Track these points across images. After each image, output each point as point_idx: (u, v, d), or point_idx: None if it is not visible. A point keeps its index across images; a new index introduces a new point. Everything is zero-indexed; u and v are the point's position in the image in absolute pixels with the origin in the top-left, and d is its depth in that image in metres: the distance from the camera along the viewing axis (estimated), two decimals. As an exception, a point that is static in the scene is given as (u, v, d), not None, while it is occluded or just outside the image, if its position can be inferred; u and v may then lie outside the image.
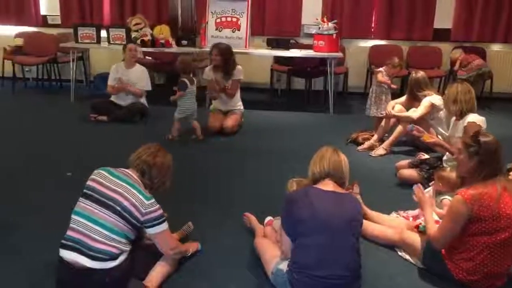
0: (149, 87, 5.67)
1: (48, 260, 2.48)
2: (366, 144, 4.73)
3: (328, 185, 2.37)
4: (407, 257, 2.73)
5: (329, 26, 6.04)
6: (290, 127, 5.57)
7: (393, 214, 3.16)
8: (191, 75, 4.89)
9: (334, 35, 6.06)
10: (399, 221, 3.03)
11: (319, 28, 6.15)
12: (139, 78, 5.59)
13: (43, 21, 7.62)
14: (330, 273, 2.19)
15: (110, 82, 5.61)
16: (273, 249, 2.53)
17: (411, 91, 4.59)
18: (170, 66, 6.62)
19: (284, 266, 2.35)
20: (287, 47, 6.32)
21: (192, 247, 2.71)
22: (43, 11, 7.61)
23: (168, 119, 4.96)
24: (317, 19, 6.33)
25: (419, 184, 2.92)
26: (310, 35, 6.71)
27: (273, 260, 2.43)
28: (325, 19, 6.15)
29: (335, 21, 6.17)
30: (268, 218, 2.97)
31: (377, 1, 7.10)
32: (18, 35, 7.44)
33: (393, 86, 5.02)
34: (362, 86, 7.17)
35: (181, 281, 2.50)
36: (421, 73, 4.58)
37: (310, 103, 6.81)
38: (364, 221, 2.66)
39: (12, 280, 2.46)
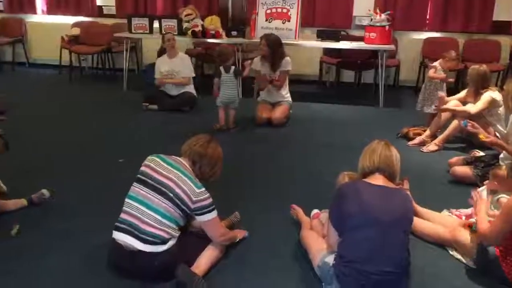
0: (193, 74, 5.76)
1: (102, 242, 2.57)
2: (417, 139, 4.60)
3: (378, 180, 2.32)
4: (459, 256, 2.65)
5: (381, 18, 5.90)
6: (339, 120, 5.50)
7: (445, 212, 3.07)
8: (229, 64, 4.87)
9: (387, 27, 5.91)
10: (451, 219, 2.94)
11: (371, 19, 6.02)
12: (183, 66, 5.67)
13: (99, 12, 7.87)
14: (377, 268, 2.16)
15: (157, 75, 5.73)
16: (319, 242, 2.52)
17: (475, 86, 4.34)
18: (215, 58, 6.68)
19: (330, 259, 2.33)
20: (337, 39, 6.23)
21: (240, 233, 2.75)
22: (99, 1, 7.86)
23: (217, 109, 5.02)
24: (369, 11, 6.20)
25: (478, 189, 2.82)
26: (361, 27, 6.59)
27: (319, 253, 2.42)
28: (377, 11, 6.02)
29: (388, 12, 6.02)
30: (315, 211, 2.95)
31: (433, -9, 6.87)
32: (75, 25, 7.72)
33: (450, 79, 4.85)
34: (414, 80, 6.97)
35: (228, 268, 2.53)
36: (484, 67, 4.37)
37: (359, 96, 6.70)
38: (414, 218, 2.60)
39: (68, 262, 2.56)
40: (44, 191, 3.17)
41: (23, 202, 3.09)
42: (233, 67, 4.86)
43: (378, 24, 5.91)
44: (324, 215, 2.73)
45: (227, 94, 4.89)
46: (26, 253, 2.62)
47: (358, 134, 4.80)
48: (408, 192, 3.04)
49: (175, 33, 6.16)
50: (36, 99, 6.13)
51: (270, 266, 2.57)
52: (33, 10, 8.03)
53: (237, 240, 2.70)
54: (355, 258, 2.18)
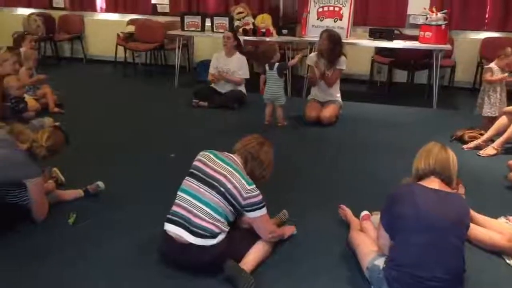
0: (247, 75, 5.79)
1: (153, 234, 2.64)
2: (473, 143, 4.43)
3: (433, 183, 2.25)
4: (516, 265, 2.54)
5: (438, 17, 5.72)
6: (390, 120, 5.39)
7: (502, 219, 2.94)
8: (273, 61, 4.87)
9: (443, 26, 5.73)
10: (508, 226, 2.81)
11: (427, 18, 5.84)
12: (239, 66, 5.72)
13: (153, 10, 8.05)
14: (430, 274, 2.10)
15: (211, 70, 5.80)
16: (369, 244, 2.47)
17: None
18: (260, 56, 6.69)
19: (380, 262, 2.29)
20: (391, 38, 6.09)
21: (288, 230, 2.75)
22: (154, 0, 8.03)
23: (265, 107, 5.03)
24: (425, 9, 6.03)
25: None
26: (416, 26, 6.42)
27: (369, 255, 2.38)
28: (434, 9, 5.83)
29: (445, 11, 5.83)
30: (364, 212, 2.90)
31: (493, -11, 6.59)
32: (131, 23, 7.95)
33: (510, 78, 4.64)
34: (470, 81, 6.73)
35: (275, 265, 2.53)
36: None
37: (412, 96, 6.52)
38: (471, 224, 2.50)
39: (119, 252, 2.64)
40: (100, 183, 3.29)
41: (80, 192, 3.21)
42: (277, 64, 4.86)
43: (434, 23, 5.73)
44: (376, 217, 2.68)
45: (271, 90, 4.91)
46: (80, 242, 2.72)
47: (410, 135, 4.68)
48: (464, 197, 2.95)
49: (226, 31, 6.22)
50: (91, 94, 6.35)
51: (318, 266, 2.55)
52: (92, 8, 8.34)
53: (286, 237, 2.70)
54: (407, 263, 2.13)
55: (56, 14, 8.41)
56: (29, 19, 7.91)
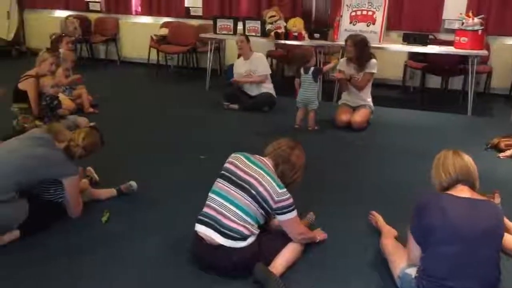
0: (268, 71, 5.81)
1: (184, 234, 2.66)
2: (509, 151, 4.31)
3: (463, 191, 2.19)
4: (554, 279, 2.45)
5: (474, 22, 5.60)
6: (422, 126, 5.30)
7: (539, 230, 2.85)
8: (309, 65, 4.86)
9: (480, 31, 5.60)
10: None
11: (463, 23, 5.74)
12: (258, 64, 5.74)
13: (186, 13, 8.16)
14: (463, 285, 2.05)
15: (235, 77, 5.85)
16: (401, 252, 2.43)
17: None
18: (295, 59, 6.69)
19: (412, 271, 2.25)
20: (425, 42, 5.99)
21: (320, 235, 2.73)
22: (187, 3, 8.14)
23: (296, 110, 5.02)
24: (461, 14, 5.91)
25: None
26: (451, 31, 6.31)
27: (400, 264, 2.34)
28: (470, 14, 5.72)
29: (482, 16, 5.70)
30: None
31: (533, -6, 6.41)
32: (164, 25, 8.07)
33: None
34: (507, 88, 6.56)
35: (305, 270, 2.52)
36: None
37: (446, 103, 6.40)
38: (505, 234, 2.43)
39: (150, 251, 2.68)
40: (132, 182, 3.35)
41: (113, 191, 3.28)
42: (312, 68, 4.85)
43: (470, 28, 5.62)
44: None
45: (305, 94, 4.90)
46: (112, 240, 2.77)
47: (443, 142, 4.54)
48: (499, 207, 2.87)
49: (258, 35, 6.26)
50: (124, 95, 6.47)
51: (348, 272, 2.53)
52: (127, 11, 8.50)
53: (317, 241, 2.68)
54: (439, 274, 2.08)
55: (92, 16, 8.62)
56: (66, 21, 8.12)
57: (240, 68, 5.80)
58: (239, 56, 6.10)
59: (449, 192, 2.22)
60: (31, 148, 2.74)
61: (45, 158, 2.74)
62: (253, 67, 5.73)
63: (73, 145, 2.85)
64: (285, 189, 2.40)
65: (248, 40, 5.82)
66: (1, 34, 8.54)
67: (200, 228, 2.43)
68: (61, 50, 5.40)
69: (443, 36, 6.62)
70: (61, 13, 8.72)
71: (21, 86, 4.44)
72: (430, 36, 6.26)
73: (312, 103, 4.93)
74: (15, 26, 8.77)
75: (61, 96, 4.94)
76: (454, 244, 2.07)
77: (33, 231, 2.73)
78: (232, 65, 7.07)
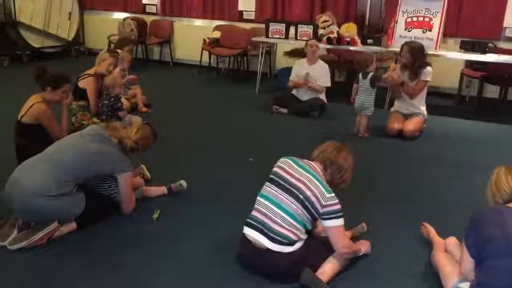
0: (329, 84, 5.76)
1: (231, 235, 2.70)
2: None
3: (522, 205, 2.11)
4: None
5: (538, 30, 5.36)
6: (478, 137, 5.11)
7: None
8: (368, 71, 4.81)
9: (544, 40, 5.35)
10: None
11: (525, 31, 5.50)
12: (321, 74, 5.70)
13: (239, 16, 8.25)
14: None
15: (292, 77, 5.83)
16: (453, 265, 2.36)
17: None
18: (352, 64, 6.61)
19: (465, 285, 2.18)
20: (484, 51, 5.79)
21: (364, 247, 2.67)
22: (240, 7, 8.23)
23: (345, 116, 4.97)
24: (523, 21, 5.68)
25: None
26: (513, 39, 6.06)
27: (453, 278, 2.27)
28: (534, 22, 5.48)
29: (547, 24, 5.45)
30: (452, 238, 2.73)
31: None
32: (217, 28, 8.20)
33: None
34: None
35: (353, 279, 2.49)
36: None
37: (504, 113, 6.14)
38: None
39: (198, 250, 2.73)
40: (182, 181, 3.42)
41: (163, 190, 3.36)
42: (371, 74, 4.79)
43: (533, 36, 5.38)
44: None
45: (361, 99, 4.86)
46: (161, 238, 2.83)
47: (499, 155, 4.41)
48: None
49: (310, 39, 6.22)
50: (176, 96, 6.62)
51: (398, 284, 2.47)
52: (182, 13, 8.68)
53: (361, 254, 2.62)
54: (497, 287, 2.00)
55: (148, 18, 8.88)
56: (124, 23, 8.41)
57: (302, 70, 5.77)
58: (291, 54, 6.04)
59: (509, 205, 2.13)
60: (88, 144, 2.85)
61: (101, 153, 2.85)
62: (315, 74, 5.69)
63: (125, 136, 2.95)
64: (333, 194, 2.38)
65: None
66: (63, 34, 8.93)
67: (249, 231, 2.45)
68: (119, 51, 5.59)
69: (503, 45, 6.36)
70: (119, 15, 9.03)
71: (81, 84, 4.63)
72: (490, 44, 6.04)
73: (367, 109, 4.87)
74: (75, 26, 9.17)
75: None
76: (512, 258, 1.98)
77: (89, 224, 2.85)
78: (283, 69, 7.10)
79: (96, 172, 2.87)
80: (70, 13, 8.99)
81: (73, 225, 2.81)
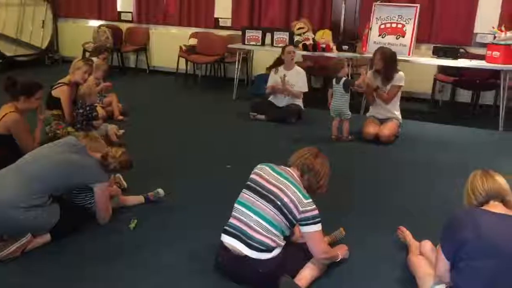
0: (306, 89, 5.80)
1: (210, 242, 2.68)
2: (543, 168, 4.20)
3: (497, 207, 2.14)
4: None
5: (507, 36, 5.51)
6: (452, 141, 5.21)
7: None
8: (340, 76, 4.89)
9: (513, 46, 5.50)
10: None
11: (495, 37, 5.66)
12: (297, 79, 5.74)
13: (215, 23, 8.25)
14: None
15: (270, 83, 5.86)
16: (429, 268, 2.39)
17: None
18: (328, 70, 6.68)
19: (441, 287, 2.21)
20: (455, 56, 5.91)
21: (342, 252, 2.68)
22: (216, 14, 8.23)
23: (323, 122, 5.01)
24: (493, 28, 5.83)
25: None
26: (483, 45, 6.21)
27: (429, 281, 2.30)
28: (503, 28, 5.63)
29: (516, 30, 5.60)
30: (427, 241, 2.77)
31: None
32: (193, 36, 8.19)
33: None
34: (540, 104, 6.38)
35: (329, 285, 2.50)
36: None
37: (476, 118, 6.28)
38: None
39: (177, 259, 2.71)
40: (159, 190, 3.39)
41: (140, 199, 3.33)
42: (343, 79, 4.86)
43: (502, 42, 5.53)
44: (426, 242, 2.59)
45: (337, 104, 4.95)
46: (138, 247, 2.81)
47: (473, 157, 4.50)
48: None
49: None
50: (153, 103, 6.56)
51: (374, 288, 2.50)
52: (158, 21, 8.63)
53: (338, 259, 2.63)
54: (472, 290, 2.04)
55: (123, 26, 8.81)
56: (98, 30, 8.33)
57: (278, 75, 5.79)
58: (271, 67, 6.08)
59: (482, 208, 2.18)
60: (65, 154, 2.81)
61: (78, 164, 2.81)
62: (291, 80, 5.73)
63: (111, 156, 2.95)
64: (310, 200, 2.40)
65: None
66: (36, 42, 8.80)
67: (226, 239, 2.45)
68: (94, 59, 5.53)
69: (474, 50, 6.51)
70: (94, 23, 8.94)
71: (54, 93, 4.56)
72: (461, 50, 6.18)
73: (344, 113, 4.95)
74: (49, 34, 9.03)
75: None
76: (486, 260, 2.02)
77: (63, 235, 2.80)
78: (260, 75, 7.13)
79: (71, 183, 2.83)
80: (43, 21, 8.86)
81: (47, 237, 2.75)
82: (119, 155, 2.99)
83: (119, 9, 8.92)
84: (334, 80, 4.92)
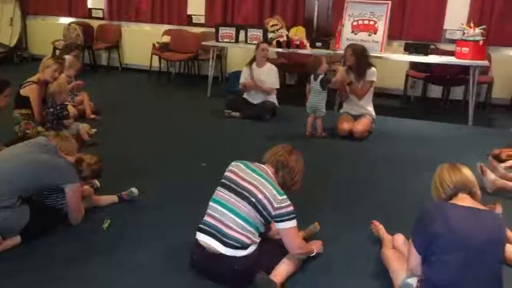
0: (277, 85, 5.82)
1: (186, 241, 2.65)
2: (510, 162, 4.31)
3: (465, 200, 2.18)
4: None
5: (475, 32, 5.64)
6: (424, 136, 5.30)
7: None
8: (319, 73, 4.91)
9: (481, 42, 5.63)
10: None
11: (464, 33, 5.77)
12: (269, 76, 5.76)
13: (188, 20, 8.19)
14: (466, 295, 2.05)
15: (242, 80, 5.86)
16: (402, 261, 2.43)
17: None
18: (302, 67, 6.72)
19: (413, 281, 2.25)
20: (426, 52, 6.02)
21: (316, 247, 2.71)
22: (189, 11, 8.17)
23: (297, 118, 5.03)
24: (462, 24, 5.95)
25: None
26: (453, 41, 6.34)
27: (401, 273, 2.34)
28: (471, 24, 5.75)
29: (483, 26, 5.74)
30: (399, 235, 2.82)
31: (534, 5, 6.44)
32: (166, 33, 8.10)
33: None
34: (508, 98, 6.58)
35: (305, 281, 2.51)
36: None
37: (447, 112, 6.41)
38: (507, 244, 2.43)
39: (152, 258, 2.69)
40: (133, 189, 3.35)
41: (114, 198, 3.28)
42: (321, 76, 4.88)
43: (471, 38, 5.65)
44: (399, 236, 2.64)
45: (313, 101, 4.98)
46: (112, 247, 2.77)
47: (444, 151, 4.59)
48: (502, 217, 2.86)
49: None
50: (126, 102, 6.48)
51: (349, 282, 2.52)
52: (130, 18, 8.52)
53: (313, 254, 2.66)
54: (443, 283, 2.07)
55: (94, 23, 8.66)
56: (69, 28, 8.17)
57: (250, 72, 5.79)
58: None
59: (451, 201, 2.22)
60: (35, 154, 2.75)
61: (48, 164, 2.75)
62: (263, 77, 5.74)
63: (86, 163, 2.94)
64: (285, 196, 2.40)
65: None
66: (4, 40, 8.58)
67: (201, 237, 2.43)
68: (67, 57, 5.42)
69: (444, 46, 6.65)
70: (64, 20, 8.75)
71: (23, 92, 4.45)
72: (432, 46, 6.29)
73: (319, 111, 4.98)
74: (17, 32, 8.81)
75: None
76: (457, 253, 2.06)
77: (34, 237, 2.74)
78: (234, 73, 7.11)
79: (41, 184, 2.77)
80: (11, 18, 8.65)
81: (17, 239, 2.69)
82: (94, 162, 2.98)
83: (90, 6, 8.77)
84: (312, 77, 4.95)
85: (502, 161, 4.38)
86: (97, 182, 3.48)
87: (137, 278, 2.49)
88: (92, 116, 5.41)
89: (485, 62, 5.77)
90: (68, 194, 2.82)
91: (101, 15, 8.70)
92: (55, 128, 4.18)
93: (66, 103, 4.63)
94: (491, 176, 3.66)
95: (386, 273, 2.51)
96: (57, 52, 7.56)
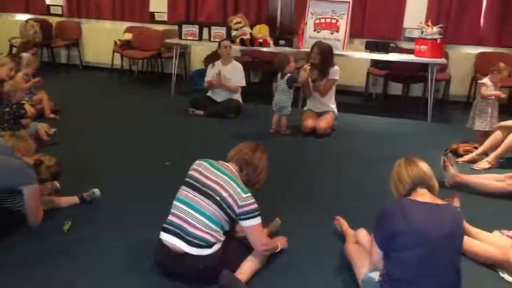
0: (243, 83, 5.82)
1: (149, 241, 2.61)
2: (467, 156, 4.46)
3: (423, 196, 2.23)
4: (510, 279, 2.55)
5: (433, 31, 5.79)
6: (385, 132, 5.42)
7: (496, 233, 2.94)
8: (286, 72, 4.94)
9: (438, 40, 5.79)
10: (504, 240, 2.81)
11: (422, 32, 5.93)
12: (234, 74, 5.75)
13: (151, 18, 8.07)
14: (426, 288, 2.10)
15: (208, 78, 5.83)
16: (364, 256, 2.47)
17: None
18: (266, 65, 6.75)
19: (375, 275, 2.29)
20: (386, 50, 6.15)
21: (281, 243, 2.72)
22: (152, 8, 8.05)
23: (262, 116, 5.04)
24: (420, 23, 6.11)
25: None
26: (412, 39, 6.48)
27: (364, 268, 2.38)
28: (429, 23, 5.91)
29: (441, 25, 5.91)
30: (362, 230, 2.86)
31: (488, 5, 6.66)
32: (127, 30, 7.97)
33: (502, 95, 4.69)
34: (465, 95, 6.78)
35: (270, 278, 2.52)
36: None
37: (407, 109, 6.57)
38: (464, 237, 2.50)
39: (115, 259, 2.65)
40: (95, 190, 3.29)
41: (75, 199, 3.21)
42: (288, 75, 4.90)
43: (429, 37, 5.80)
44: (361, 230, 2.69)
45: (279, 99, 5.00)
46: (73, 248, 2.71)
47: (404, 148, 4.70)
48: (459, 210, 2.96)
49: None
50: (87, 100, 6.34)
51: (313, 278, 2.55)
52: (89, 15, 8.33)
53: (278, 250, 2.67)
54: (403, 278, 2.12)
55: (53, 20, 8.42)
56: (26, 24, 7.89)
57: (215, 70, 5.76)
58: (207, 61, 6.05)
59: (410, 197, 2.25)
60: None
61: (4, 166, 2.66)
62: (228, 74, 5.72)
63: (45, 165, 2.89)
64: (249, 194, 2.41)
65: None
66: (-44, 37, 8.22)
67: (165, 237, 2.41)
68: (25, 55, 5.24)
69: (404, 44, 6.80)
70: (21, 17, 8.46)
71: (-22, 91, 4.29)
72: (392, 44, 6.43)
73: (284, 109, 5.00)
74: (-29, 29, 8.48)
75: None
76: (417, 249, 2.10)
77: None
78: (198, 71, 7.07)
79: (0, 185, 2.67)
80: (-36, 14, 8.31)
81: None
82: (53, 164, 2.93)
83: (48, 2, 8.51)
84: (279, 75, 4.96)
85: (459, 156, 4.54)
86: (57, 184, 3.39)
87: (98, 279, 2.44)
88: (51, 115, 5.27)
89: (443, 60, 5.94)
90: (26, 196, 2.73)
91: (60, 12, 8.46)
92: (13, 128, 4.04)
93: (23, 102, 4.48)
94: (451, 170, 3.77)
95: (350, 267, 2.55)
96: (14, 50, 7.30)
